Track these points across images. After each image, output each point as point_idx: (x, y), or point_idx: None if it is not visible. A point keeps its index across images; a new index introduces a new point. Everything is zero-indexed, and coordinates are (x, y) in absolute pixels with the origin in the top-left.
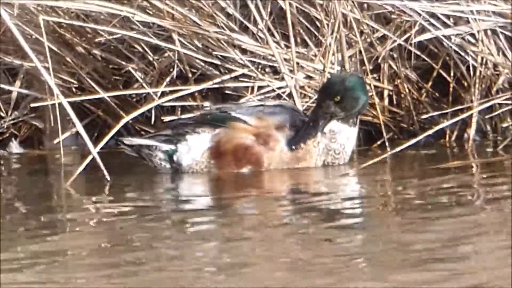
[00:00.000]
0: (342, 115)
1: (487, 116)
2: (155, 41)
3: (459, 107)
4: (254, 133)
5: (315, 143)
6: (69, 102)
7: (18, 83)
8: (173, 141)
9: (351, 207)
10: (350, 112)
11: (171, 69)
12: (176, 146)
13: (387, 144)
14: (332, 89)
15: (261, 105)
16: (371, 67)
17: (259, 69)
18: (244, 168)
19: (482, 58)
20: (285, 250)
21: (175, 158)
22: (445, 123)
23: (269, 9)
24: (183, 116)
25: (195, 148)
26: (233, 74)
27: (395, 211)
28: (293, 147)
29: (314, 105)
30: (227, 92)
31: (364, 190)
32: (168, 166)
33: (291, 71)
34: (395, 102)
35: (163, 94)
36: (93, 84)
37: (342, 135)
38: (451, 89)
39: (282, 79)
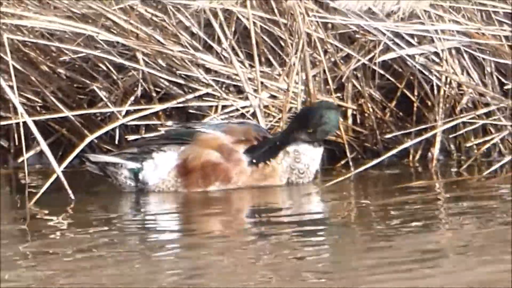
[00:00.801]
0: (310, 140)
1: (451, 136)
2: (119, 60)
3: (423, 126)
4: (220, 148)
5: (278, 161)
6: (34, 121)
7: None
8: (138, 159)
9: (311, 225)
10: (318, 140)
11: (136, 88)
12: (141, 164)
13: (351, 163)
14: (308, 122)
15: (227, 122)
16: (335, 87)
17: (223, 89)
18: (212, 186)
19: (446, 78)
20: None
21: (140, 176)
22: (409, 143)
23: (233, 28)
24: (148, 135)
25: (161, 166)
26: (197, 93)
27: (355, 229)
28: (256, 163)
29: (279, 124)
30: (191, 111)
31: (326, 208)
32: (133, 184)
33: (255, 90)
34: (359, 121)
35: (128, 113)
36: (57, 102)
37: (307, 156)
38: (415, 108)
39: (246, 98)
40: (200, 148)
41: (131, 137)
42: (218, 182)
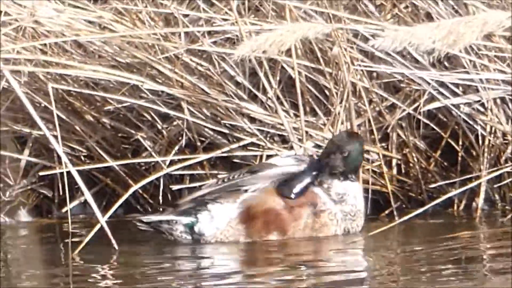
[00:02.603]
0: (342, 169)
1: (495, 185)
2: (164, 109)
3: (468, 176)
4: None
5: (331, 216)
6: (78, 171)
7: (26, 151)
8: (192, 212)
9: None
10: (350, 167)
11: (180, 138)
12: (196, 218)
13: (395, 213)
14: (342, 146)
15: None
16: (379, 136)
17: (268, 138)
18: (271, 235)
19: (491, 127)
20: None
21: (196, 229)
22: (453, 192)
23: (278, 78)
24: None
25: (218, 217)
26: (241, 143)
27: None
28: (288, 194)
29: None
30: (235, 161)
31: (370, 258)
32: (189, 237)
33: (300, 140)
34: (403, 171)
35: (172, 162)
36: (102, 152)
37: (349, 195)
38: (459, 158)
39: (291, 148)
40: (265, 196)
41: (175, 187)
42: (277, 232)
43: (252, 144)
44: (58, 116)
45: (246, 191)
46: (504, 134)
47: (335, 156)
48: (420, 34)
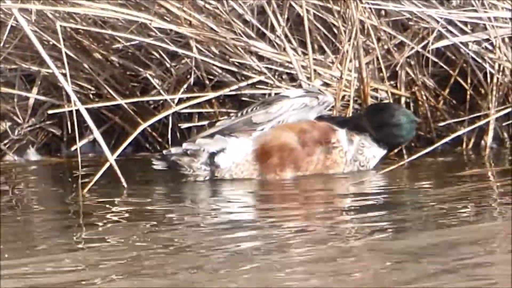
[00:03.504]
0: (374, 136)
1: (504, 124)
2: (172, 47)
3: (476, 114)
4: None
5: (341, 153)
6: (87, 109)
7: (35, 89)
8: (214, 143)
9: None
10: (383, 140)
11: (188, 76)
12: (219, 147)
13: (404, 151)
14: (378, 118)
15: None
16: (388, 74)
17: (276, 76)
18: (284, 172)
19: (499, 65)
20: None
21: (216, 159)
22: (462, 131)
23: (286, 16)
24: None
25: (236, 150)
26: (250, 81)
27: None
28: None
29: (333, 112)
30: (244, 99)
31: (379, 197)
32: (208, 169)
33: (308, 78)
34: (412, 109)
35: (180, 101)
36: (110, 90)
37: (370, 151)
38: (468, 96)
39: (300, 86)
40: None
41: (184, 125)
42: (290, 168)
43: (261, 82)
44: (66, 54)
45: (263, 129)
46: None
47: (382, 124)
48: None
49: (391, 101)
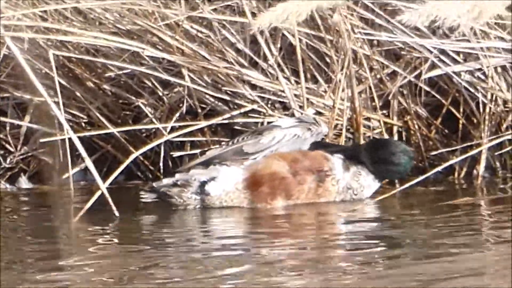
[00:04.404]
0: (371, 169)
1: (496, 153)
2: (165, 76)
3: (469, 143)
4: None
5: (333, 182)
6: (79, 137)
7: (27, 117)
8: (205, 172)
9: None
10: (380, 175)
11: (181, 105)
12: (209, 176)
13: (396, 180)
14: (377, 154)
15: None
16: (380, 104)
17: (269, 105)
18: (275, 201)
19: (491, 95)
20: None
21: (206, 188)
22: (454, 160)
23: (279, 45)
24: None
25: (226, 178)
26: (242, 110)
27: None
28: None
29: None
30: (236, 127)
31: (371, 224)
32: (198, 198)
33: (301, 107)
34: (404, 138)
35: (173, 129)
36: (102, 119)
37: (366, 180)
38: (460, 125)
39: (292, 115)
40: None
41: (176, 154)
42: (281, 197)
43: (253, 111)
44: (59, 82)
45: (255, 159)
46: (505, 102)
47: (381, 160)
48: (446, 8)
49: (384, 130)
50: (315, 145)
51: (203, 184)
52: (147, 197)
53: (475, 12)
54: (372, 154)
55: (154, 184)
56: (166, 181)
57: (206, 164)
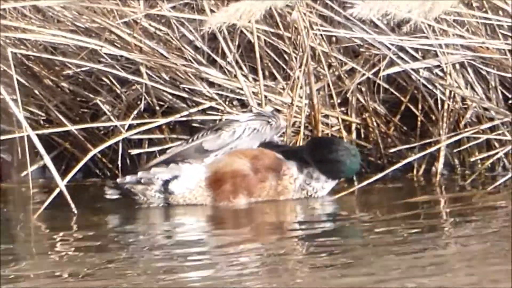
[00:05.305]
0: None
1: (455, 150)
2: (122, 74)
3: (427, 140)
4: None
5: (291, 180)
6: (37, 135)
7: None
8: (168, 171)
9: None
10: (326, 175)
11: (139, 102)
12: (173, 175)
13: (354, 177)
14: (320, 154)
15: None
16: (339, 101)
17: (227, 102)
18: (238, 199)
19: (450, 92)
20: None
21: (170, 186)
22: (413, 157)
23: (237, 42)
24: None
25: (189, 176)
26: (200, 107)
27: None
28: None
29: (283, 139)
30: (195, 125)
31: (330, 223)
32: (161, 197)
33: (259, 104)
34: (363, 136)
35: (131, 127)
36: (60, 116)
37: (318, 182)
38: (419, 122)
39: (250, 111)
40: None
41: (134, 151)
42: (243, 194)
43: (211, 108)
44: (17, 80)
45: (216, 155)
46: (463, 99)
47: (322, 159)
48: (397, 3)
49: (342, 127)
50: (266, 144)
51: (166, 182)
52: (111, 193)
53: (426, 6)
54: (313, 154)
55: (118, 181)
56: (129, 178)
57: (167, 162)
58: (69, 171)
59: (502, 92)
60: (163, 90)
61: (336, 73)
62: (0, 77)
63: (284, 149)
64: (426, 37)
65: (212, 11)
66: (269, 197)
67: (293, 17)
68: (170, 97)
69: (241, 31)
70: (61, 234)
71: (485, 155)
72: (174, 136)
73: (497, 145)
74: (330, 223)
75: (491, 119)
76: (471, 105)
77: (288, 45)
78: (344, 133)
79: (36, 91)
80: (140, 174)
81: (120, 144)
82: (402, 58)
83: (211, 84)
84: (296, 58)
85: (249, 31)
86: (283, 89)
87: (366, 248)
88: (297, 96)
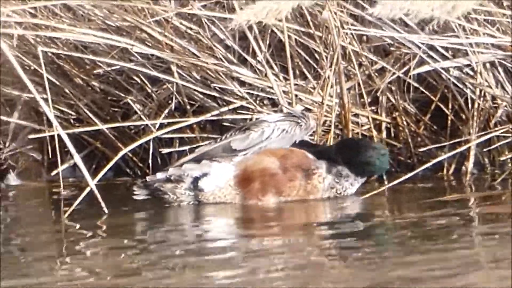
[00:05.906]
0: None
1: (485, 149)
2: (153, 73)
3: (457, 140)
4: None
5: (320, 179)
6: (67, 134)
7: (16, 114)
8: (198, 168)
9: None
10: (357, 174)
11: (170, 101)
12: (203, 172)
13: (384, 177)
14: (351, 156)
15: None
16: (369, 100)
17: (258, 101)
18: (267, 197)
19: (480, 91)
20: None
21: (200, 184)
22: (443, 156)
23: (268, 41)
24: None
25: (219, 174)
26: (231, 106)
27: (389, 243)
28: None
29: (314, 138)
30: (225, 124)
31: (361, 223)
32: (191, 194)
33: (289, 103)
34: (393, 135)
35: (161, 126)
36: (91, 115)
37: (347, 181)
38: (449, 121)
39: (281, 111)
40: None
41: (164, 150)
42: (272, 193)
43: (242, 107)
44: (47, 79)
45: (245, 155)
46: (493, 98)
47: (351, 161)
48: (419, 2)
49: (372, 126)
50: (297, 144)
51: (196, 180)
52: (139, 193)
53: (448, 6)
54: (342, 155)
55: (148, 179)
56: (160, 175)
57: (197, 160)
58: (99, 170)
59: None
60: (194, 89)
61: (367, 72)
62: (30, 76)
63: (314, 148)
64: (457, 36)
65: (242, 9)
66: (299, 197)
67: (324, 16)
68: (201, 96)
69: (272, 30)
70: (91, 233)
71: None
72: (205, 135)
73: None
74: (360, 223)
75: None
76: (501, 104)
77: (319, 44)
78: (374, 132)
79: (67, 90)
80: (171, 170)
81: (151, 143)
82: (432, 57)
83: (242, 83)
84: (326, 57)
85: (280, 30)
86: (314, 88)
87: (396, 247)
88: (328, 95)
